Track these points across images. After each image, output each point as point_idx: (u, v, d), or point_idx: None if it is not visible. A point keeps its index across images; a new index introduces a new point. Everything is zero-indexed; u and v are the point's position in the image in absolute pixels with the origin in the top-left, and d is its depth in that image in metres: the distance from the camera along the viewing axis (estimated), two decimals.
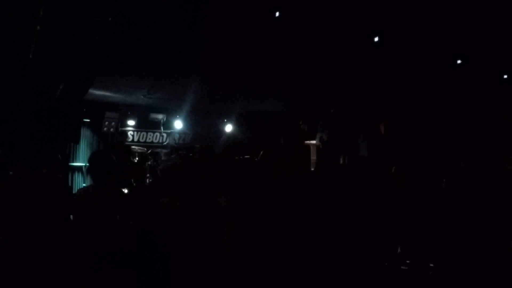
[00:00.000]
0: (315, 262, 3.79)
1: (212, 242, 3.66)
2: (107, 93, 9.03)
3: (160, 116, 10.92)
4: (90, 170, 3.71)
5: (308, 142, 11.86)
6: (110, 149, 9.23)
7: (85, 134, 10.20)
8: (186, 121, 11.27)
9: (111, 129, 10.16)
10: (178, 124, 11.15)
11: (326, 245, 3.75)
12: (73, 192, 6.64)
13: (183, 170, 3.69)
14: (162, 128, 10.87)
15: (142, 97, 9.41)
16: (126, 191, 5.77)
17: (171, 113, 11.03)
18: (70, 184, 8.82)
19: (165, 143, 10.56)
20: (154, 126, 11.11)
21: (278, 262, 3.85)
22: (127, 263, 3.49)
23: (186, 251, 3.48)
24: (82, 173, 9.73)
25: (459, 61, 5.66)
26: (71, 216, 3.98)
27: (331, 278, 3.74)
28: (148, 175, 8.97)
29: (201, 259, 3.44)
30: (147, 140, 11.22)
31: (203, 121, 11.52)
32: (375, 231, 4.35)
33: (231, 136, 11.59)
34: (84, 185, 8.88)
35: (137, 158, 9.71)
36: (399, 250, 5.62)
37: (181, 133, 11.67)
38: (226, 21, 4.71)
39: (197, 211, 3.56)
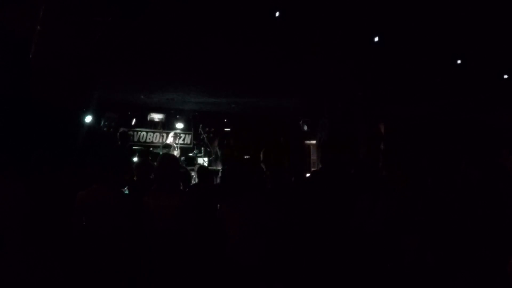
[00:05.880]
0: (316, 258, 3.81)
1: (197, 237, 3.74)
2: (107, 93, 9.02)
3: (160, 116, 10.91)
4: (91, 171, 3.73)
5: (308, 142, 11.86)
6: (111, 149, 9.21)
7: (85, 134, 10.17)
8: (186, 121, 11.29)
9: (111, 129, 10.13)
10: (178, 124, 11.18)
11: (328, 244, 3.76)
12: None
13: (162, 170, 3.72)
14: (162, 128, 10.88)
15: (142, 97, 9.41)
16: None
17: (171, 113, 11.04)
18: None
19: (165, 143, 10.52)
20: (154, 126, 11.12)
21: (280, 257, 3.91)
22: (128, 261, 3.49)
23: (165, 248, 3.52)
24: None
25: (459, 61, 5.65)
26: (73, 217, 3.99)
27: (332, 277, 3.75)
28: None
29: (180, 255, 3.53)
30: (147, 140, 11.22)
31: None
32: (378, 231, 4.34)
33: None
34: None
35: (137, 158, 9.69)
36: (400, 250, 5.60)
37: (181, 133, 11.66)
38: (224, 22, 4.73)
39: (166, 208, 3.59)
